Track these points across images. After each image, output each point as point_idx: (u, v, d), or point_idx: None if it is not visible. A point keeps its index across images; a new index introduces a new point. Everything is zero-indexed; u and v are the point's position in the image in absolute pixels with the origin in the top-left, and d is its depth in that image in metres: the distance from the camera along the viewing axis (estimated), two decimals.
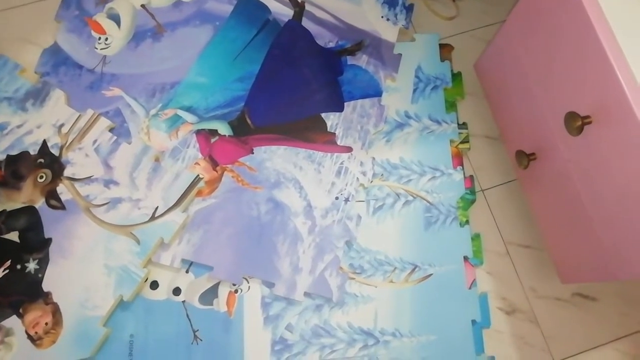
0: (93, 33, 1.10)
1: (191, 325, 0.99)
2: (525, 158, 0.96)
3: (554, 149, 0.89)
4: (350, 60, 1.14)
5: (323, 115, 1.11)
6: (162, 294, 1.01)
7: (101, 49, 1.10)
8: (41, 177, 1.01)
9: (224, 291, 1.01)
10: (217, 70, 1.10)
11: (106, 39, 1.10)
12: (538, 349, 1.05)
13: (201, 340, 0.99)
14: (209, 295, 1.01)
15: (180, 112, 1.08)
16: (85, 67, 1.08)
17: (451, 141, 1.13)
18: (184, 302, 1.00)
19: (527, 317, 1.08)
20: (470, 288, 1.04)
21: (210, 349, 0.98)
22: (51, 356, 0.93)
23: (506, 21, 0.95)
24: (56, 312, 0.96)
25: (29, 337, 0.94)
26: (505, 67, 1.01)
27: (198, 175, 1.03)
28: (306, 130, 1.10)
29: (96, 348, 0.94)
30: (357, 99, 1.13)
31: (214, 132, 1.08)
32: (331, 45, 1.15)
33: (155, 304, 0.99)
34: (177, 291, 1.01)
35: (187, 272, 1.02)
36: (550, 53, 0.83)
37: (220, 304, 1.01)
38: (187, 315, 1.00)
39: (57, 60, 1.08)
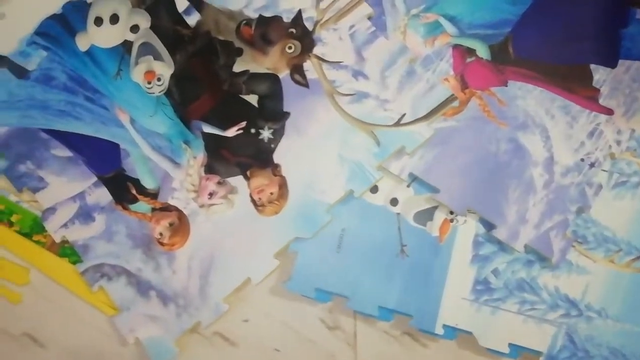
0: None
1: (400, 239, 1.00)
2: None
3: None
4: (639, 13, 1.03)
5: (592, 66, 1.01)
6: (379, 199, 1.00)
7: None
8: (290, 47, 0.98)
9: (439, 216, 0.99)
10: None
11: None
12: None
13: (407, 255, 0.99)
14: (424, 216, 1.00)
15: (442, 20, 1.00)
16: None
17: None
18: (398, 214, 1.00)
19: None
20: None
21: (414, 266, 0.98)
22: (272, 225, 0.96)
23: None
24: (283, 185, 0.96)
25: (252, 200, 0.96)
26: None
27: (453, 95, 0.99)
28: (569, 77, 1.01)
29: (316, 232, 0.97)
30: (634, 60, 1.01)
31: (471, 51, 1.00)
32: None
33: (372, 208, 0.99)
34: (394, 202, 1.00)
35: (408, 186, 1.01)
36: None
37: (434, 227, 0.99)
38: (399, 229, 1.00)
39: None
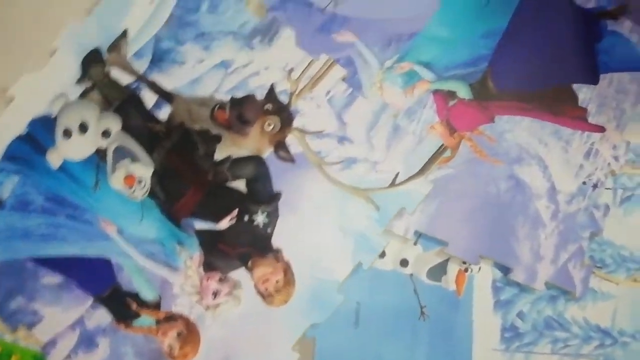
0: None
1: (419, 301, 0.97)
2: None
3: None
4: (610, 25, 1.02)
5: (574, 86, 1.00)
6: (388, 263, 0.98)
7: None
8: (269, 124, 0.95)
9: (453, 268, 0.97)
10: (460, 23, 0.99)
11: None
12: None
13: (428, 316, 0.96)
14: (438, 271, 0.97)
15: (417, 68, 0.98)
16: (316, 5, 0.99)
17: None
18: (411, 275, 0.98)
19: None
20: None
21: (437, 327, 0.96)
22: (283, 315, 0.92)
23: None
24: (287, 270, 0.93)
25: (259, 292, 0.92)
26: None
27: (443, 144, 0.96)
28: (553, 101, 1.00)
29: (330, 314, 0.93)
30: (614, 72, 1.01)
31: (452, 94, 0.99)
32: (590, 5, 1.02)
33: (383, 274, 0.97)
34: (404, 263, 0.98)
35: (415, 244, 0.98)
36: None
37: (449, 281, 0.97)
38: (415, 290, 0.97)
39: None
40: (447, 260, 1.00)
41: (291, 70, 1.00)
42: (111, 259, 0.94)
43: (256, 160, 0.97)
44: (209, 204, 0.97)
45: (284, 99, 1.00)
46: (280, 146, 0.97)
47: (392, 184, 0.96)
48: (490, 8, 1.05)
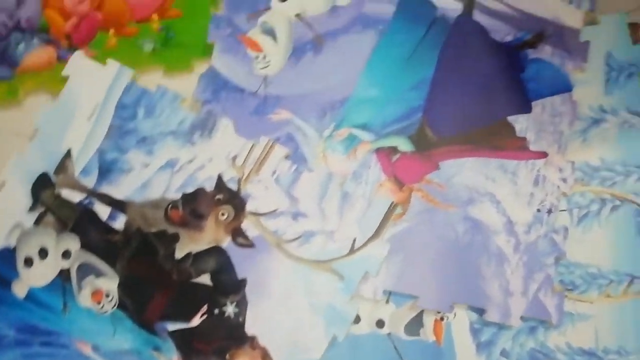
0: (249, 51, 1.04)
1: (401, 358, 0.97)
2: None
3: None
4: (531, 54, 1.05)
5: (510, 118, 1.03)
6: (364, 327, 0.97)
7: (261, 69, 1.03)
8: (223, 214, 0.97)
9: (429, 319, 0.97)
10: (388, 80, 1.03)
11: (264, 56, 1.03)
12: None
13: None
14: (415, 325, 0.98)
15: (355, 132, 1.01)
16: (247, 91, 1.02)
17: None
18: (389, 334, 0.98)
19: None
20: None
21: None
22: None
23: None
24: (266, 356, 0.93)
25: None
26: None
27: (393, 202, 0.98)
28: (493, 137, 1.02)
29: None
30: (545, 97, 1.04)
31: (394, 149, 1.02)
32: (508, 39, 1.05)
33: (361, 339, 0.96)
34: (380, 323, 0.98)
35: (387, 302, 0.99)
36: None
37: (428, 333, 0.97)
38: (395, 348, 0.97)
39: (216, 85, 1.02)
40: (421, 313, 0.98)
41: (235, 158, 1.01)
42: None
43: (216, 251, 0.99)
44: (178, 304, 0.97)
45: (233, 186, 1.01)
46: (237, 233, 0.98)
47: (351, 250, 0.96)
48: (414, 60, 1.08)
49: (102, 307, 0.93)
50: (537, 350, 0.96)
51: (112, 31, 1.05)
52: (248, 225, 0.98)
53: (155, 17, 1.06)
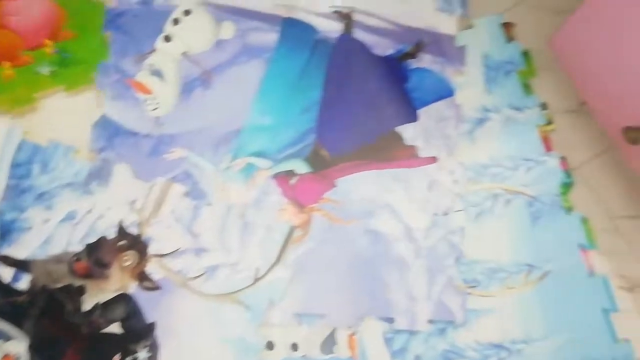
0: (138, 95, 1.05)
1: None
2: (634, 132, 0.91)
3: None
4: (413, 64, 1.09)
5: (398, 129, 1.06)
6: (280, 353, 0.98)
7: (152, 110, 1.04)
8: (127, 260, 0.97)
9: (342, 336, 0.99)
10: (278, 107, 1.05)
11: (154, 98, 1.04)
12: None
13: None
14: (329, 344, 0.99)
15: (252, 160, 1.03)
16: (141, 133, 1.03)
17: (537, 125, 1.09)
18: (304, 356, 0.99)
19: None
20: (591, 275, 1.02)
21: None
22: None
23: None
24: None
25: None
26: (597, 39, 0.94)
27: (292, 225, 1.00)
28: (385, 149, 1.05)
29: None
30: (429, 104, 1.08)
31: (291, 173, 1.04)
32: (390, 52, 1.09)
33: None
34: (294, 347, 0.99)
35: (299, 324, 1.00)
36: None
37: (342, 349, 0.98)
38: None
39: (109, 132, 1.03)
40: (334, 330, 0.99)
41: (134, 202, 1.02)
42: None
43: (124, 298, 0.99)
44: (92, 356, 0.98)
45: (134, 230, 1.03)
46: (142, 277, 0.98)
47: (255, 279, 0.98)
48: (302, 84, 1.10)
49: None
50: (449, 351, 0.99)
51: (7, 64, 1.04)
52: (153, 268, 0.99)
53: (48, 42, 1.06)
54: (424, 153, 1.05)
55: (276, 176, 1.05)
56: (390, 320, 0.99)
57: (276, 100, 1.07)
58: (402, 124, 1.06)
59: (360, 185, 1.04)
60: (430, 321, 0.98)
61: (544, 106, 1.10)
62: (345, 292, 0.99)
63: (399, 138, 1.07)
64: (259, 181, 1.05)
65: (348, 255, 1.01)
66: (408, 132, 1.06)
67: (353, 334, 1.00)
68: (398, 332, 0.99)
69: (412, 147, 1.06)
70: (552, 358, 0.97)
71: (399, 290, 1.00)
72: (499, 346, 1.00)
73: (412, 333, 0.99)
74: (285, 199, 1.04)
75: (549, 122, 1.10)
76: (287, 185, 1.05)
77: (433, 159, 1.05)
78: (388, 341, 1.00)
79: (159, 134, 1.05)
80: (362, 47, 1.08)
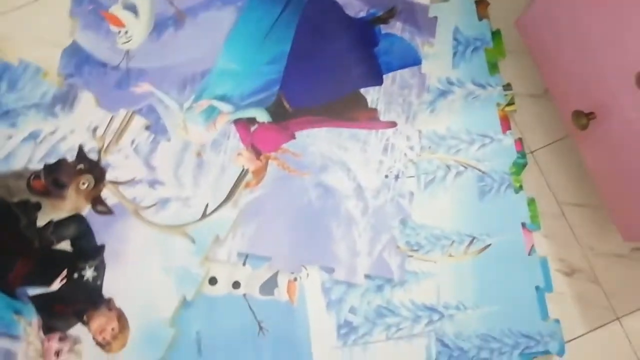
0: (111, 27, 1.06)
1: (255, 317, 1.01)
2: (583, 118, 0.93)
3: (619, 107, 0.87)
4: (384, 29, 1.10)
5: (362, 90, 1.08)
6: (222, 289, 1.02)
7: (123, 44, 1.06)
8: (83, 183, 1.00)
9: (283, 280, 1.02)
10: (246, 54, 1.07)
11: (126, 32, 1.06)
12: (601, 308, 1.06)
13: (267, 330, 1.00)
14: (269, 286, 1.02)
15: (215, 103, 1.05)
16: (110, 65, 1.05)
17: (497, 104, 1.11)
18: (244, 295, 1.02)
19: (587, 277, 1.09)
20: (530, 254, 1.05)
21: (277, 338, 1.00)
22: (124, 359, 0.96)
23: None
24: (121, 317, 0.97)
25: (98, 343, 0.96)
26: (558, 22, 0.97)
27: (245, 168, 1.02)
28: (347, 108, 1.08)
29: (166, 349, 0.96)
30: (395, 70, 1.09)
31: (252, 120, 1.06)
32: (362, 14, 1.11)
33: (217, 300, 1.01)
34: (236, 285, 1.02)
35: (244, 264, 1.02)
36: (621, 3, 0.79)
37: (281, 293, 1.02)
38: (250, 307, 1.01)
39: (79, 59, 1.05)
40: (276, 274, 1.01)
41: (95, 129, 1.05)
42: None
43: (77, 219, 1.02)
44: (40, 270, 1.00)
45: (93, 156, 1.05)
46: (97, 201, 1.01)
47: (203, 215, 1.01)
48: (271, 35, 1.12)
49: None
50: (383, 307, 1.02)
51: None
52: (107, 194, 1.01)
53: None
54: (384, 117, 1.08)
55: (237, 122, 1.07)
56: (330, 270, 1.01)
57: (245, 48, 1.08)
58: (367, 86, 1.08)
59: (318, 141, 1.06)
60: (368, 276, 1.01)
61: (507, 87, 1.13)
62: (291, 239, 1.01)
63: (362, 99, 1.08)
64: (219, 124, 1.07)
65: (298, 204, 1.03)
66: (371, 95, 1.09)
67: (294, 280, 1.04)
68: (337, 282, 1.02)
69: (373, 110, 1.08)
70: (481, 325, 1.00)
71: (342, 243, 1.02)
72: (431, 309, 1.03)
73: (350, 285, 1.02)
74: (243, 144, 1.06)
75: (511, 103, 1.13)
76: (247, 132, 1.07)
77: (393, 124, 1.07)
78: (326, 291, 1.03)
79: (127, 67, 1.08)
80: (335, 6, 1.10)
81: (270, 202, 1.04)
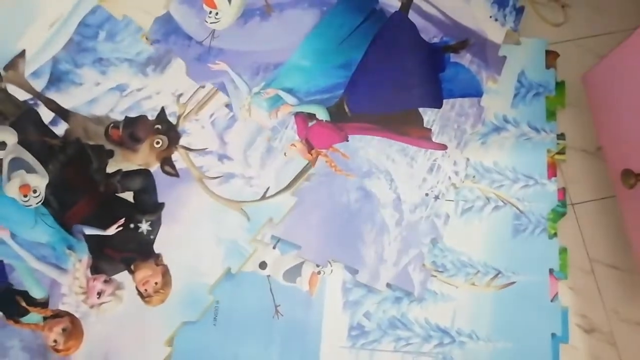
0: (204, 6, 1.13)
1: (274, 300, 1.04)
2: (632, 177, 0.94)
3: None
4: (453, 57, 1.14)
5: (420, 110, 1.12)
6: (249, 266, 1.06)
7: (211, 23, 1.13)
8: (157, 142, 1.06)
9: (307, 271, 1.05)
10: (320, 55, 1.12)
11: (217, 13, 1.13)
12: None
13: (282, 315, 1.03)
14: (293, 273, 1.06)
15: (282, 93, 1.11)
16: (195, 39, 1.13)
17: (548, 151, 1.12)
18: (268, 276, 1.05)
19: (606, 339, 1.07)
20: (552, 301, 1.05)
21: (290, 324, 1.03)
22: (160, 314, 1.00)
23: (631, 37, 0.92)
24: (166, 273, 1.02)
25: (139, 293, 1.01)
26: (621, 82, 0.98)
27: (309, 162, 1.07)
28: (402, 123, 1.12)
29: (202, 314, 1.00)
30: (456, 97, 1.13)
31: (312, 116, 1.11)
32: (435, 40, 1.15)
33: (241, 275, 1.04)
34: (263, 265, 1.06)
35: (274, 247, 1.06)
36: None
37: (303, 282, 1.05)
38: (271, 290, 1.05)
39: (167, 28, 1.13)
40: (302, 263, 1.04)
41: (180, 95, 1.11)
42: (3, 261, 1.02)
43: (144, 173, 1.07)
44: (99, 213, 1.05)
45: (172, 120, 1.11)
46: (166, 162, 1.07)
47: (263, 196, 1.05)
48: (347, 42, 1.17)
49: (28, 200, 1.00)
50: (398, 319, 1.03)
51: None
52: (177, 157, 1.07)
53: None
54: (436, 138, 1.11)
55: (297, 115, 1.12)
56: (354, 271, 1.04)
57: (320, 49, 1.13)
58: (426, 106, 1.11)
59: (368, 147, 1.10)
60: (389, 285, 1.03)
61: (561, 136, 1.14)
62: (323, 234, 1.04)
63: (418, 118, 1.12)
64: (281, 113, 1.12)
65: (337, 203, 1.06)
66: (428, 115, 1.12)
67: (318, 273, 1.06)
68: (358, 285, 1.04)
69: (428, 130, 1.11)
70: (490, 359, 1.01)
71: (371, 248, 1.05)
72: (444, 331, 1.03)
73: (370, 290, 1.04)
74: (298, 136, 1.11)
75: (561, 152, 1.14)
76: (305, 126, 1.12)
77: (443, 146, 1.10)
78: (346, 290, 1.05)
79: (210, 44, 1.15)
80: (412, 28, 1.14)
81: (311, 195, 1.07)
